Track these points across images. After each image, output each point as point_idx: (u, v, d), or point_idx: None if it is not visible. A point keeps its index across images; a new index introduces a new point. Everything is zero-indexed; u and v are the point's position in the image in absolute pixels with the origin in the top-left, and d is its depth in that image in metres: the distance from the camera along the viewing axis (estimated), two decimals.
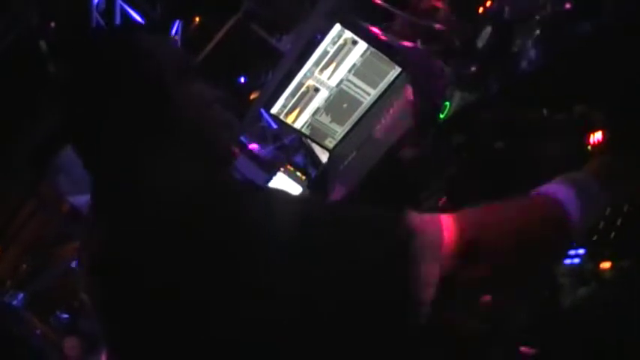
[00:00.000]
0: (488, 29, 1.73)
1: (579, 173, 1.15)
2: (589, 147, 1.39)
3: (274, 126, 4.26)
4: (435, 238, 0.97)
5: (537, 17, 1.59)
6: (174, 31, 4.60)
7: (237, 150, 3.46)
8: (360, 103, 2.35)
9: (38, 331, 3.89)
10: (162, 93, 1.16)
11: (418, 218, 0.99)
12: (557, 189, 1.09)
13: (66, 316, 4.25)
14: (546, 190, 1.10)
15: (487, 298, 1.22)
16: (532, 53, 1.58)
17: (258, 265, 0.96)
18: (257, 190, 1.06)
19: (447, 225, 0.98)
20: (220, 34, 4.61)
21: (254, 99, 4.60)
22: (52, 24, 4.39)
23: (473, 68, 1.78)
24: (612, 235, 1.32)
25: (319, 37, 2.42)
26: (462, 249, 0.97)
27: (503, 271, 1.02)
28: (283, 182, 3.26)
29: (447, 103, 1.81)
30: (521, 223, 1.05)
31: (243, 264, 0.96)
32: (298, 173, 3.27)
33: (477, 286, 1.02)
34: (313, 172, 3.20)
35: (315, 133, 2.45)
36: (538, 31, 1.59)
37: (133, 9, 4.41)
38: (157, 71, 1.17)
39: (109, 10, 4.31)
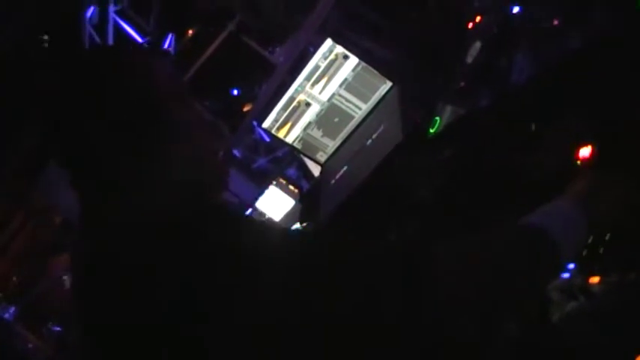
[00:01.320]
0: (478, 44, 1.74)
1: (562, 201, 1.17)
2: (577, 161, 1.39)
3: (267, 139, 4.27)
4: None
5: (526, 32, 1.61)
6: (167, 43, 4.60)
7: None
8: (352, 117, 2.35)
9: (31, 345, 3.88)
10: (155, 115, 1.16)
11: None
12: (542, 219, 1.11)
13: (58, 328, 4.23)
14: (532, 220, 1.12)
15: None
16: (521, 68, 1.60)
17: (254, 300, 0.96)
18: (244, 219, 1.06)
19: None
20: (213, 46, 4.62)
21: (247, 111, 4.61)
22: (45, 36, 4.39)
23: (462, 83, 1.79)
24: (601, 250, 1.32)
25: (312, 49, 2.43)
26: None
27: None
28: (276, 195, 3.26)
29: (437, 117, 1.82)
30: (504, 257, 1.06)
31: (235, 298, 0.96)
32: (291, 186, 3.27)
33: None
34: (305, 186, 3.20)
35: (307, 147, 2.45)
36: (527, 46, 1.60)
37: (126, 22, 4.42)
38: (151, 93, 1.17)
39: (102, 22, 4.31)
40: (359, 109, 2.34)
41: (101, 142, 1.13)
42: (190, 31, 4.95)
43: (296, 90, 2.35)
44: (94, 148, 1.14)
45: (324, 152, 2.44)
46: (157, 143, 1.15)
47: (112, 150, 1.14)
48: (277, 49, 4.48)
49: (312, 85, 2.32)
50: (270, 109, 2.46)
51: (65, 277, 4.21)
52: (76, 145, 1.16)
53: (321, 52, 2.28)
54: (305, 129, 2.41)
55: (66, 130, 1.16)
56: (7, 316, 4.13)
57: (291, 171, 3.57)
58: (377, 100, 2.31)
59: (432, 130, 1.82)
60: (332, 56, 2.28)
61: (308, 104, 2.36)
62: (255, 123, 4.18)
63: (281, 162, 4.08)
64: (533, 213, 1.13)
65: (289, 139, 2.45)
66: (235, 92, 4.96)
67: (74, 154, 1.17)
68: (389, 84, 2.28)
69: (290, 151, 3.46)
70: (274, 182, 3.32)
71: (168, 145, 1.16)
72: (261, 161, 4.38)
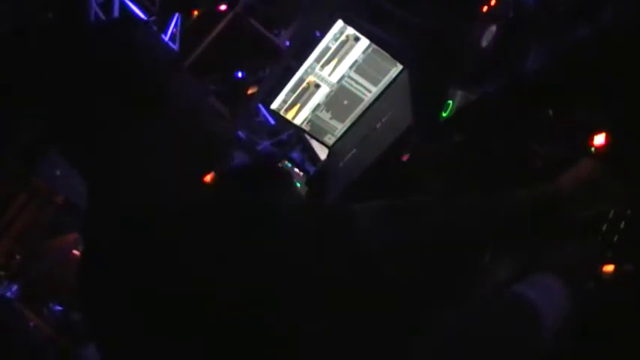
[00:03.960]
0: (493, 28, 1.72)
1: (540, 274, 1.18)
2: (592, 149, 1.38)
3: (272, 121, 4.26)
4: None
5: (542, 17, 1.59)
6: (172, 24, 4.58)
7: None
8: (361, 100, 2.34)
9: (32, 324, 3.88)
10: (156, 87, 1.14)
11: None
12: (525, 290, 1.12)
13: (59, 308, 4.23)
14: (516, 290, 1.13)
15: None
16: (536, 53, 1.58)
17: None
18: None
19: None
20: (218, 27, 4.60)
21: (251, 94, 4.59)
22: (50, 14, 4.37)
23: (475, 67, 1.77)
24: (615, 238, 1.31)
25: (318, 34, 2.41)
26: None
27: None
28: None
29: (450, 101, 1.80)
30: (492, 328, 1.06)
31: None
32: (295, 169, 3.26)
33: None
34: (310, 169, 3.19)
35: (315, 129, 2.44)
36: (543, 31, 1.58)
37: (132, 1, 4.40)
38: (151, 65, 1.16)
39: (107, 1, 4.29)
40: (369, 91, 2.32)
41: (111, 118, 1.12)
42: (195, 12, 4.92)
43: (305, 71, 2.34)
44: (104, 125, 1.13)
45: (333, 135, 2.43)
46: (164, 119, 1.14)
47: (121, 127, 1.12)
48: (282, 32, 4.46)
49: (322, 66, 2.31)
50: (278, 90, 2.45)
51: (68, 257, 4.22)
52: (84, 123, 1.14)
53: (332, 34, 2.26)
54: (314, 111, 2.40)
55: (73, 109, 1.15)
56: (9, 294, 4.13)
57: (296, 154, 3.56)
58: (387, 83, 2.29)
59: (444, 114, 1.80)
60: (343, 38, 2.26)
61: (317, 86, 2.34)
62: (260, 105, 4.17)
63: (285, 145, 4.07)
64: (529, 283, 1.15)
65: (297, 121, 2.44)
66: (239, 75, 4.94)
67: (80, 135, 1.16)
68: (400, 67, 2.27)
69: (294, 133, 3.45)
70: (279, 165, 3.31)
71: (176, 121, 1.15)
72: (266, 144, 4.36)
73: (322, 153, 2.70)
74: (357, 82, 2.31)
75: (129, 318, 1.02)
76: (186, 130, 1.16)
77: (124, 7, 4.31)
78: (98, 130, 1.13)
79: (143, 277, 0.99)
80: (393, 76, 2.28)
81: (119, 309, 1.03)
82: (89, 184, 1.17)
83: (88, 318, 1.15)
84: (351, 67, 2.30)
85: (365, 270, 1.03)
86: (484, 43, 1.73)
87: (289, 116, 2.43)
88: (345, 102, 2.35)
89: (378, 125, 2.19)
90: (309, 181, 2.87)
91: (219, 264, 0.95)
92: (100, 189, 1.15)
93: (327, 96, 2.36)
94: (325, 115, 2.39)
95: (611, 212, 1.31)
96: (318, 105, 2.38)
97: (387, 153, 2.04)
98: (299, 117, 2.43)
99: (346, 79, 2.31)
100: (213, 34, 4.61)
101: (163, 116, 1.14)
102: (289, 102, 2.40)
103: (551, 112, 1.52)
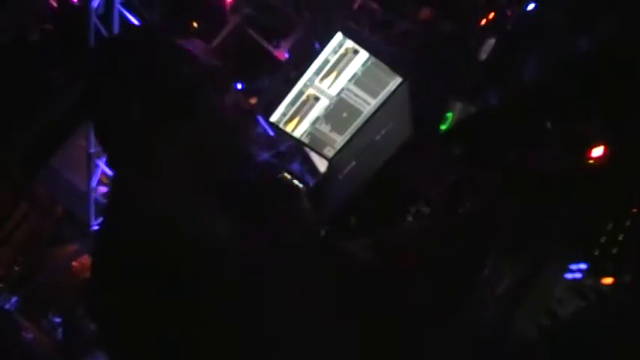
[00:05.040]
0: (492, 41, 1.73)
1: None
2: (590, 161, 1.38)
3: (271, 133, 4.26)
4: None
5: (540, 29, 1.60)
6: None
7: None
8: (360, 112, 2.34)
9: (31, 336, 3.87)
10: (189, 96, 1.16)
11: None
12: None
13: (58, 319, 4.22)
14: None
15: None
16: (534, 65, 1.59)
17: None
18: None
19: None
20: (218, 39, 4.61)
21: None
22: (49, 25, 4.37)
23: (475, 79, 1.78)
24: (614, 250, 1.31)
25: (318, 45, 2.42)
26: None
27: None
28: None
29: (449, 114, 1.81)
30: None
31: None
32: (295, 181, 3.26)
33: None
34: (310, 181, 3.19)
35: (315, 142, 2.44)
36: (541, 43, 1.59)
37: (132, 13, 4.40)
38: (187, 76, 1.17)
39: (107, 13, 4.30)
40: (368, 104, 2.32)
41: (143, 124, 1.13)
42: (195, 24, 4.93)
43: (305, 84, 2.34)
44: (136, 130, 1.14)
45: (332, 147, 2.43)
46: (195, 129, 1.15)
47: (153, 133, 1.13)
48: (282, 43, 4.47)
49: (322, 79, 2.31)
50: (277, 103, 2.45)
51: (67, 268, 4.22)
52: (118, 130, 1.16)
53: (331, 46, 2.27)
54: (313, 123, 2.40)
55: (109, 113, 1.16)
56: (8, 306, 4.12)
57: (295, 165, 3.55)
58: (386, 95, 2.30)
59: (443, 127, 1.81)
60: (342, 50, 2.27)
61: (317, 98, 2.35)
62: (259, 117, 4.17)
63: (284, 156, 4.06)
64: None
65: (297, 134, 2.44)
66: (239, 86, 4.94)
67: (115, 140, 1.17)
68: (399, 79, 2.27)
69: (294, 145, 3.45)
70: (278, 176, 3.30)
71: (205, 132, 1.16)
72: (265, 155, 4.36)
73: (322, 165, 2.70)
74: (356, 95, 2.31)
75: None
76: (213, 140, 1.17)
77: (124, 20, 4.32)
78: (130, 133, 1.14)
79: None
80: (393, 88, 2.28)
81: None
82: (113, 182, 1.18)
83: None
84: (350, 80, 2.30)
85: None
86: (483, 56, 1.74)
87: (288, 129, 2.44)
88: (345, 114, 2.35)
89: (378, 137, 2.19)
90: (308, 193, 2.88)
91: None
92: (122, 191, 1.16)
93: (327, 108, 2.36)
94: (324, 128, 2.40)
95: (610, 225, 1.32)
96: (318, 117, 2.39)
97: (387, 165, 2.04)
98: (298, 129, 2.43)
99: (345, 91, 2.32)
100: (213, 45, 4.62)
101: (194, 126, 1.15)
102: (289, 114, 2.41)
103: (549, 124, 1.52)
